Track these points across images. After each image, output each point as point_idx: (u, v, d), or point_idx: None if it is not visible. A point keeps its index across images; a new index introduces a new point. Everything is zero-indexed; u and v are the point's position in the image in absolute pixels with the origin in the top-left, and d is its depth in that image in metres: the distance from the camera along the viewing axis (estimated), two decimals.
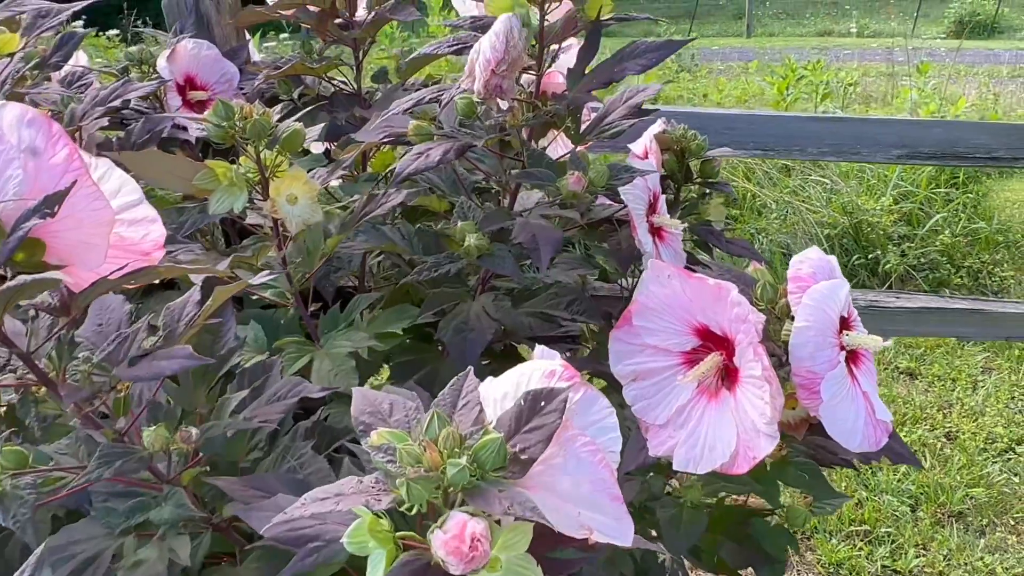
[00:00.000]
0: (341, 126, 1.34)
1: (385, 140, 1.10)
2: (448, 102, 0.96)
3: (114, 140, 1.24)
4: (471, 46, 0.99)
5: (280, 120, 1.33)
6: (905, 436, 2.42)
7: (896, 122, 1.48)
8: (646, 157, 1.33)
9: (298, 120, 1.33)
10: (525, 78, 1.06)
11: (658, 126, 1.35)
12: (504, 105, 0.98)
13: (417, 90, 1.20)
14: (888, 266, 3.27)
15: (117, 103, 1.09)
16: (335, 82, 1.42)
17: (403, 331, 1.11)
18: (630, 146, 1.32)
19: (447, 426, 0.60)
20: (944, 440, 2.44)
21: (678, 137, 1.35)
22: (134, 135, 1.23)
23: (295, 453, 0.85)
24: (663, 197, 1.10)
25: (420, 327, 1.11)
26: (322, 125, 1.00)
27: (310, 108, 1.24)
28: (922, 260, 3.30)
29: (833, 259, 0.82)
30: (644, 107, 1.09)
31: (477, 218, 1.01)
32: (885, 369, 2.84)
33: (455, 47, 1.02)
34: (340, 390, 0.95)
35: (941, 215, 3.44)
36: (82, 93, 1.22)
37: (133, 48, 1.35)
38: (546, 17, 0.99)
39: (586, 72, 0.99)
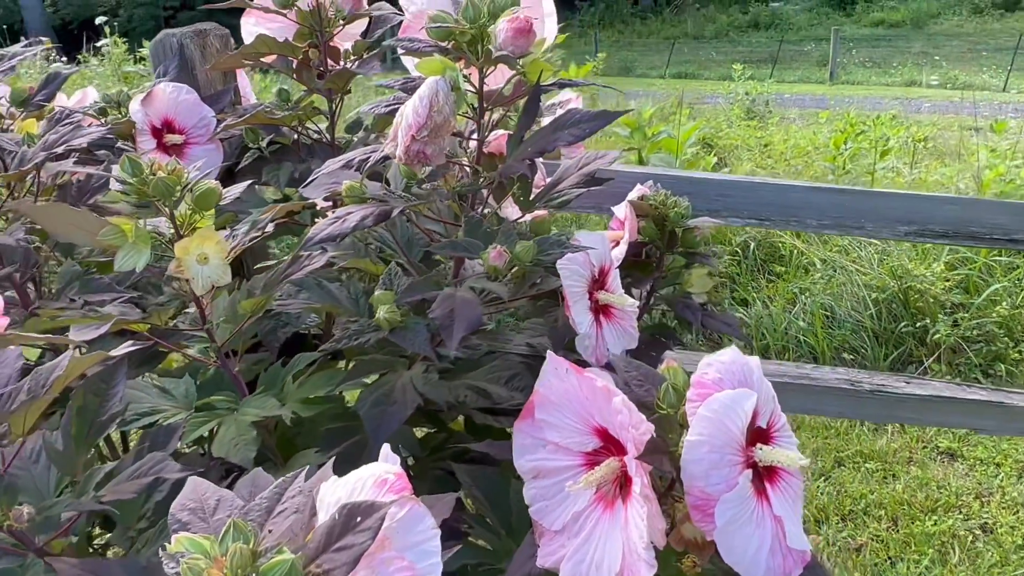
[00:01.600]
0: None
1: (327, 198, 1.07)
2: (370, 166, 0.91)
3: (73, 184, 1.24)
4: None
5: (235, 169, 1.32)
6: (933, 526, 2.24)
7: (905, 196, 1.37)
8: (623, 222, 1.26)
9: (267, 168, 1.32)
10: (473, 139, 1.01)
11: (639, 189, 1.28)
12: (451, 168, 0.93)
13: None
14: (938, 336, 3.08)
15: (59, 150, 1.08)
16: (313, 130, 1.39)
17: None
18: (613, 209, 1.25)
19: (242, 540, 0.54)
20: (978, 532, 2.25)
21: (658, 203, 1.28)
22: (94, 178, 1.22)
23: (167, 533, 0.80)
24: (615, 271, 1.03)
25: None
26: (247, 184, 0.96)
27: (268, 159, 1.21)
28: (976, 332, 3.10)
29: (752, 362, 0.74)
30: (599, 175, 1.02)
31: (402, 286, 0.96)
32: (924, 448, 2.66)
33: (391, 107, 0.98)
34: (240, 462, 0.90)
35: (1001, 284, 3.24)
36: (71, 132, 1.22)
37: (112, 91, 1.35)
38: (487, 79, 0.94)
39: (523, 139, 0.94)
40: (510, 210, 1.12)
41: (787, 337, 3.20)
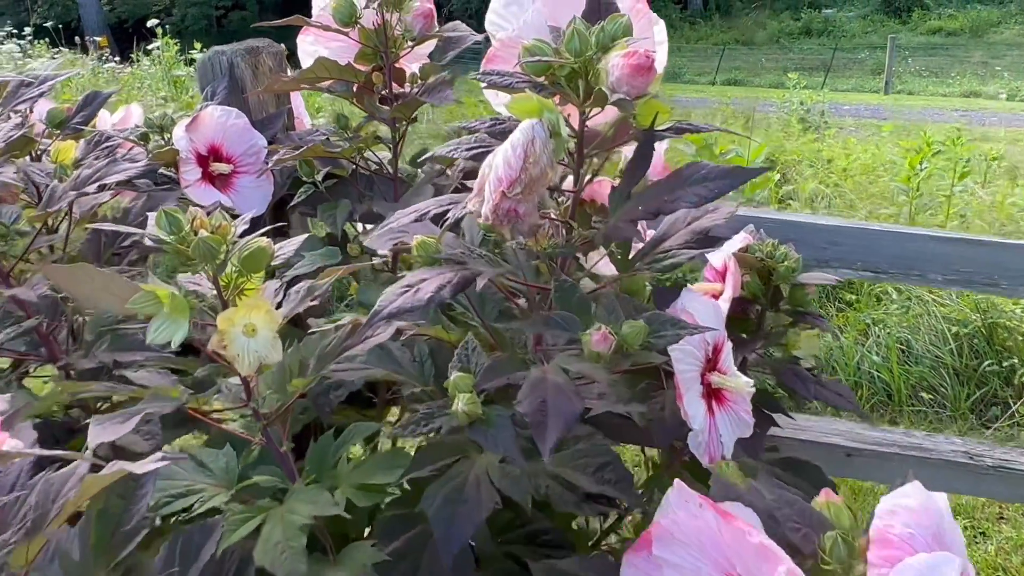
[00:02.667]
0: (373, 213, 1.17)
1: (395, 251, 0.92)
2: (449, 225, 0.77)
3: (109, 218, 1.11)
4: (488, 152, 0.80)
5: (284, 207, 1.18)
6: None
7: None
8: (723, 274, 1.11)
9: (323, 207, 1.18)
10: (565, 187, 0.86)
11: (742, 237, 1.12)
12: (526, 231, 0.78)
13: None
14: None
15: (91, 189, 0.95)
16: (374, 160, 1.25)
17: None
18: (708, 256, 1.09)
19: None
20: None
21: (765, 255, 1.12)
22: (131, 215, 1.09)
23: None
24: (728, 347, 0.87)
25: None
26: (302, 238, 0.82)
27: (324, 193, 1.07)
28: None
29: (940, 503, 0.58)
30: (712, 232, 0.87)
31: (481, 366, 0.81)
32: (1016, 504, 2.44)
33: (473, 151, 0.83)
34: None
35: None
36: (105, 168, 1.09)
37: (155, 114, 1.22)
38: (588, 122, 0.79)
39: (632, 194, 0.78)
40: (603, 266, 0.97)
41: (859, 372, 2.99)
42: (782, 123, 7.78)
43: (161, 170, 1.25)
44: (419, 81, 1.17)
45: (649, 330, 0.75)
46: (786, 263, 1.10)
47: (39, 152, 1.26)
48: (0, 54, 6.25)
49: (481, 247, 0.93)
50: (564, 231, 0.85)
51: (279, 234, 1.32)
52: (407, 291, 0.75)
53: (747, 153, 3.63)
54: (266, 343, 0.76)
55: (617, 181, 0.92)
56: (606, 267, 0.97)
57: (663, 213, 0.73)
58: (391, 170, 1.21)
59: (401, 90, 1.19)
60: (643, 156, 0.77)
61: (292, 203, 1.21)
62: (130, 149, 1.25)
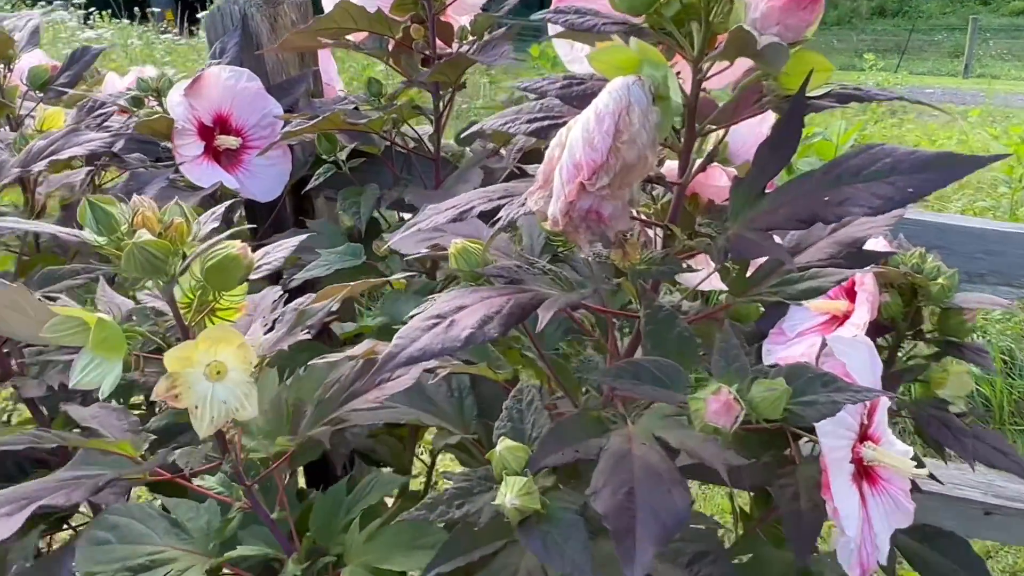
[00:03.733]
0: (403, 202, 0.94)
1: (429, 256, 0.69)
2: (501, 228, 0.53)
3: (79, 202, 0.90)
4: (559, 125, 0.56)
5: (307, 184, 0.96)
6: None
7: None
8: (850, 290, 0.86)
9: (345, 192, 0.95)
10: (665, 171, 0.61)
11: (881, 244, 0.86)
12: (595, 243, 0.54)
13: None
14: None
15: (41, 165, 0.74)
16: (413, 136, 1.02)
17: None
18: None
19: None
20: None
21: (911, 268, 0.87)
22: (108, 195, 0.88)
23: None
24: (883, 407, 0.62)
25: None
26: (300, 238, 0.59)
27: (348, 175, 0.85)
28: None
29: None
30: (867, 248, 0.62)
31: (539, 428, 0.57)
32: None
33: (537, 123, 0.59)
34: None
35: None
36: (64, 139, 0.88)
37: (150, 75, 1.01)
38: (704, 83, 0.54)
39: (766, 191, 0.53)
40: (709, 279, 0.72)
41: None
42: (861, 106, 7.33)
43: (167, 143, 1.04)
44: (469, 37, 0.93)
45: (790, 393, 0.50)
46: (939, 280, 0.85)
47: (19, 117, 1.06)
48: (53, 23, 6.16)
49: (544, 255, 0.70)
50: (659, 238, 0.60)
51: (299, 225, 1.11)
52: (437, 323, 0.51)
53: (836, 137, 3.30)
54: (238, 390, 0.54)
55: (729, 169, 0.68)
56: (711, 281, 0.72)
57: (821, 221, 0.49)
58: (432, 148, 0.98)
59: (447, 48, 0.96)
60: (787, 135, 0.52)
61: (308, 187, 0.99)
62: (129, 117, 1.04)
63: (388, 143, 0.99)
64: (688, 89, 0.55)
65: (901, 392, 0.92)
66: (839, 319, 0.89)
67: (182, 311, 0.56)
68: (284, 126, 0.98)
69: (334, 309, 0.58)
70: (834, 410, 0.49)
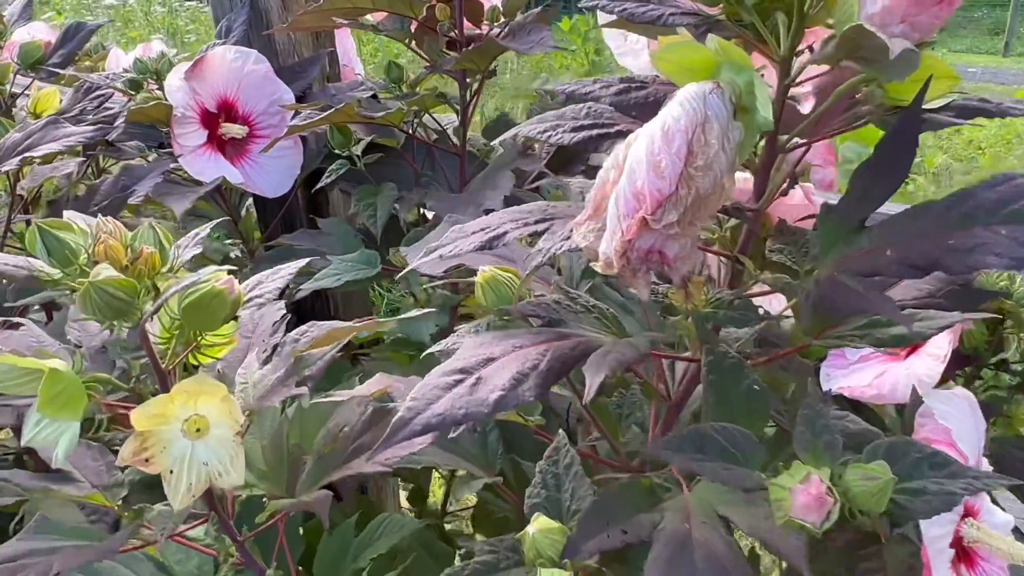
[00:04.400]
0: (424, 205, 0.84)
1: (453, 279, 0.60)
2: (540, 264, 0.43)
3: (68, 198, 0.81)
4: (610, 136, 0.46)
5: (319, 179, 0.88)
6: None
7: None
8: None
9: (359, 192, 0.86)
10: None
11: None
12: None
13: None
14: None
15: (13, 163, 0.65)
16: (436, 128, 0.92)
17: None
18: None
19: None
20: None
21: (998, 290, 0.77)
22: (99, 194, 0.80)
23: None
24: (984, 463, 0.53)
25: None
26: (297, 264, 0.50)
27: (363, 172, 0.75)
28: None
29: None
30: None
31: (579, 500, 0.48)
32: None
33: (584, 132, 0.49)
34: None
35: None
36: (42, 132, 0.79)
37: (150, 54, 0.92)
38: (791, 89, 0.44)
39: (865, 224, 0.43)
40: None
41: None
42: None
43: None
44: (500, 19, 0.83)
45: (889, 485, 0.40)
46: None
47: (10, 97, 0.98)
48: None
49: (585, 281, 0.60)
50: (729, 272, 0.51)
51: (311, 223, 1.02)
52: (460, 381, 0.42)
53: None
54: (222, 450, 0.45)
55: (806, 185, 0.58)
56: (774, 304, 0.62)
57: (943, 271, 0.39)
58: (457, 141, 0.88)
59: (476, 29, 0.86)
60: (897, 156, 0.42)
61: (319, 184, 0.89)
62: (128, 101, 0.95)
63: (408, 135, 0.89)
64: (763, 109, 0.45)
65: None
66: (911, 346, 0.79)
67: (160, 348, 0.47)
68: (295, 114, 0.89)
69: (303, 382, 0.49)
70: (950, 504, 0.40)
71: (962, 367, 0.79)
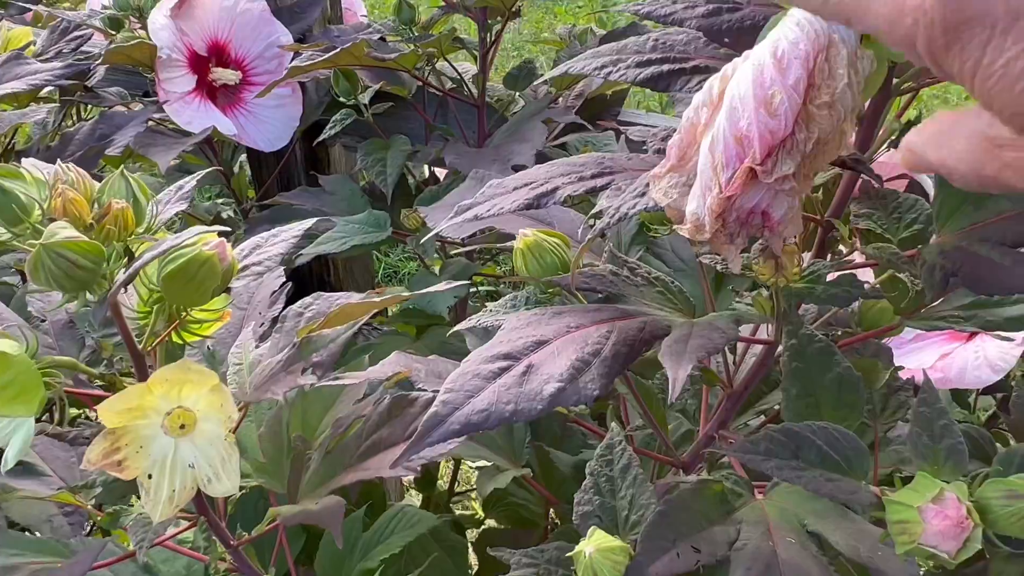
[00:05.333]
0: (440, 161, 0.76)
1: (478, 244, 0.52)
2: (601, 229, 0.35)
3: (38, 149, 0.72)
4: (685, 72, 0.38)
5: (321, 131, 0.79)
6: None
7: None
8: None
9: (366, 146, 0.77)
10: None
11: None
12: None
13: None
14: None
15: None
16: (452, 76, 0.83)
17: None
18: None
19: None
20: None
21: None
22: (72, 144, 0.71)
23: None
24: None
25: None
26: (302, 224, 0.42)
27: (371, 124, 0.66)
28: None
29: None
30: None
31: (640, 508, 0.40)
32: None
33: (652, 68, 0.40)
34: None
35: None
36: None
37: None
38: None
39: None
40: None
41: None
42: None
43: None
44: None
45: None
46: None
47: None
48: None
49: (635, 247, 0.52)
50: (814, 243, 0.42)
51: (311, 181, 0.93)
52: (506, 369, 0.34)
53: None
54: (212, 449, 0.37)
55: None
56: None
57: None
58: (475, 91, 0.79)
59: None
60: None
61: (321, 136, 0.81)
62: (109, 42, 0.86)
63: (420, 83, 0.80)
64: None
65: None
66: None
67: (138, 324, 0.39)
68: (293, 59, 0.80)
69: (310, 368, 0.40)
70: None
71: None
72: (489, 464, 0.57)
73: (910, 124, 0.41)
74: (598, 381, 0.33)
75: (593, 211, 0.36)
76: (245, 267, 0.39)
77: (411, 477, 0.95)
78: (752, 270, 0.39)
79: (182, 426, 0.37)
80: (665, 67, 0.40)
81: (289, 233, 0.41)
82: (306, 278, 0.97)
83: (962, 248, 0.35)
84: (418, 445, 0.32)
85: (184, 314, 0.38)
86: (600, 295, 0.40)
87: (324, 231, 0.74)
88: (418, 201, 0.70)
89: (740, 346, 0.53)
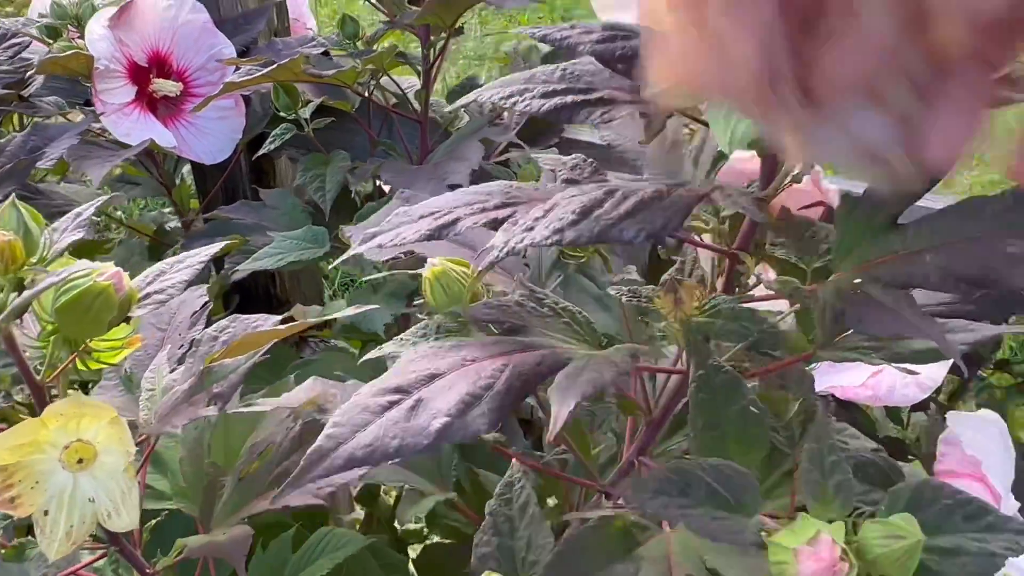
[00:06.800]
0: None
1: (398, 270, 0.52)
2: (495, 261, 0.35)
3: None
4: (589, 103, 0.39)
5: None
6: None
7: None
8: None
9: (305, 162, 0.76)
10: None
11: None
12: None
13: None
14: None
15: None
16: (395, 91, 0.83)
17: None
18: None
19: None
20: None
21: None
22: (2, 156, 0.70)
23: None
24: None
25: None
26: (212, 248, 0.41)
27: (311, 139, 0.66)
28: None
29: None
30: None
31: (538, 549, 0.40)
32: None
33: (556, 99, 0.40)
34: None
35: None
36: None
37: None
38: None
39: (898, 221, 0.36)
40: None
41: None
42: None
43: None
44: None
45: (928, 527, 0.33)
46: None
47: None
48: None
49: (555, 273, 0.52)
50: (722, 273, 0.43)
51: (255, 194, 0.93)
52: (396, 403, 0.34)
53: None
54: (111, 483, 0.37)
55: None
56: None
57: (995, 286, 0.31)
58: (418, 106, 0.79)
59: None
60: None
61: (260, 151, 0.80)
62: (48, 50, 0.85)
63: (363, 97, 0.80)
64: None
65: None
66: None
67: (40, 354, 0.38)
68: (236, 71, 0.80)
69: (214, 401, 0.40)
70: (990, 569, 0.33)
71: (973, 367, 0.73)
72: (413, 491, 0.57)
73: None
74: (487, 416, 0.34)
75: (486, 246, 0.36)
76: (147, 295, 0.39)
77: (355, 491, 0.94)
78: (653, 304, 0.39)
79: (80, 460, 0.36)
80: (569, 98, 0.40)
81: (195, 259, 0.41)
82: (252, 291, 0.97)
83: (855, 286, 0.36)
84: (301, 480, 0.32)
85: (83, 345, 0.38)
86: (504, 328, 0.40)
87: (263, 246, 0.73)
88: (357, 217, 0.70)
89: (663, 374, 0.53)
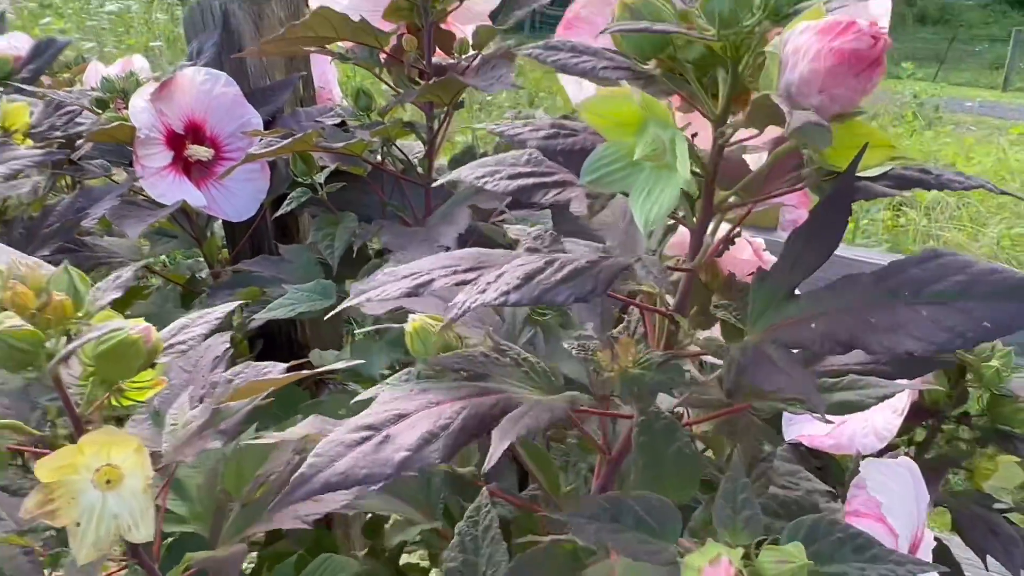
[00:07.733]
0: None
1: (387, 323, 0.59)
2: (455, 318, 0.42)
3: (23, 218, 0.80)
4: (548, 185, 0.46)
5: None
6: None
7: None
8: None
9: (319, 223, 0.85)
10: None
11: None
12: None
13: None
14: None
15: None
16: (403, 158, 0.92)
17: None
18: None
19: None
20: None
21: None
22: (52, 216, 0.79)
23: None
24: (927, 544, 0.51)
25: None
26: (227, 306, 0.49)
27: (325, 201, 0.74)
28: None
29: None
30: None
31: (495, 566, 0.46)
32: None
33: (520, 181, 0.48)
34: None
35: None
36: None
37: (116, 71, 0.91)
38: (725, 149, 0.44)
39: (793, 292, 0.42)
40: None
41: None
42: (892, 116, 7.10)
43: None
44: (470, 51, 0.83)
45: (813, 560, 0.39)
46: (993, 363, 0.75)
47: None
48: None
49: (525, 332, 0.59)
50: (663, 333, 0.50)
51: (276, 250, 1.01)
52: (366, 439, 0.41)
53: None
54: (133, 502, 0.44)
55: (756, 241, 0.57)
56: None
57: (862, 349, 0.37)
58: (423, 171, 0.88)
59: (449, 59, 0.85)
60: (829, 224, 0.41)
61: (279, 211, 0.89)
62: (97, 119, 0.95)
63: (373, 165, 0.88)
64: (708, 151, 0.44)
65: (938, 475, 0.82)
66: None
67: (81, 391, 0.46)
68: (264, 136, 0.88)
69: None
70: None
71: (924, 420, 0.78)
72: (400, 517, 0.63)
73: (733, 239, 0.49)
74: (441, 451, 0.40)
75: (448, 304, 0.43)
76: (171, 345, 0.46)
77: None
78: (595, 357, 0.46)
79: (108, 481, 0.43)
80: (531, 180, 0.48)
81: (212, 315, 0.48)
82: (275, 336, 1.04)
83: (758, 349, 0.42)
84: (286, 501, 0.39)
85: (116, 385, 0.45)
86: (468, 375, 0.47)
87: (280, 296, 0.81)
88: (361, 273, 0.78)
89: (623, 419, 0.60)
